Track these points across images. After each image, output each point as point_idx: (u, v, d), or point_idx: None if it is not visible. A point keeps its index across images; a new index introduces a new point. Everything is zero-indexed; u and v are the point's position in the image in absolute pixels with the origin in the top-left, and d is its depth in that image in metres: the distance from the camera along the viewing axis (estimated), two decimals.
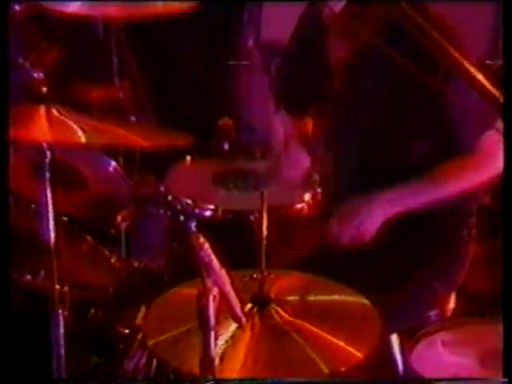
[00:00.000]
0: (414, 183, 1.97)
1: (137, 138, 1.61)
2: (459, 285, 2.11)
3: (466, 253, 2.11)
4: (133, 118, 2.81)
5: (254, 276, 1.61)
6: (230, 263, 1.44)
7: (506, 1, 1.42)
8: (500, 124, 1.43)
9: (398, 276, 2.00)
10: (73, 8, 2.16)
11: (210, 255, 1.35)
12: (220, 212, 2.00)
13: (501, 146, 1.92)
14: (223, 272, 1.38)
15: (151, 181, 2.43)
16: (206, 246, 1.34)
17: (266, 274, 1.60)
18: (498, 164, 1.92)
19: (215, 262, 1.36)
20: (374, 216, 1.94)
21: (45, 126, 1.53)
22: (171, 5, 2.29)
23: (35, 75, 2.16)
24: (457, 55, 1.16)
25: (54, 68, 2.47)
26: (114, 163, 2.23)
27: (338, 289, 1.67)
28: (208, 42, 3.03)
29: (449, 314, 2.10)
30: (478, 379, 1.56)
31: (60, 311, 1.73)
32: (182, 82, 2.95)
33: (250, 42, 3.05)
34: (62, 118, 1.56)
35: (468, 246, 2.11)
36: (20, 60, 2.23)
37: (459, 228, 2.09)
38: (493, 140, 1.94)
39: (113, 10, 2.29)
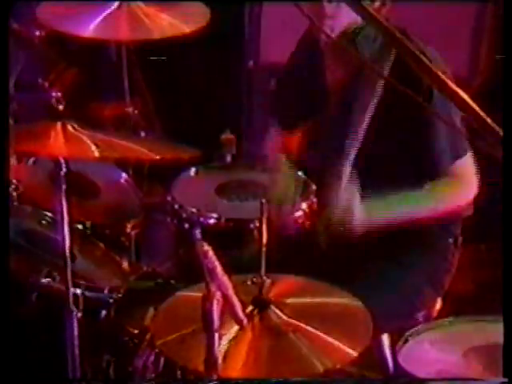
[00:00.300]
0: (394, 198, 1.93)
1: (146, 152, 1.59)
2: (445, 288, 2.09)
3: (452, 259, 2.08)
4: (142, 133, 2.80)
5: (254, 280, 1.60)
6: (231, 268, 1.43)
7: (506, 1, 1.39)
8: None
9: (388, 280, 1.99)
10: (88, 32, 2.16)
11: (213, 262, 1.33)
12: (223, 220, 1.99)
13: (474, 171, 1.92)
14: (226, 277, 1.37)
15: (159, 191, 2.42)
16: (210, 253, 1.32)
17: (265, 278, 1.59)
18: (472, 189, 1.90)
19: (219, 269, 1.35)
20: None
21: (61, 142, 1.52)
22: (177, 26, 2.28)
23: (53, 94, 2.15)
24: (439, 74, 1.14)
25: (71, 87, 2.46)
26: (124, 175, 2.21)
27: (333, 291, 1.66)
28: (211, 62, 3.03)
29: (435, 314, 2.09)
30: (478, 379, 1.54)
31: (74, 313, 1.72)
32: (187, 99, 2.94)
33: (251, 63, 3.05)
34: (77, 133, 1.55)
35: (454, 252, 2.09)
36: (40, 80, 2.22)
37: (446, 236, 2.07)
38: (467, 165, 1.92)
39: (124, 33, 2.28)
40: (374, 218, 1.89)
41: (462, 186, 1.95)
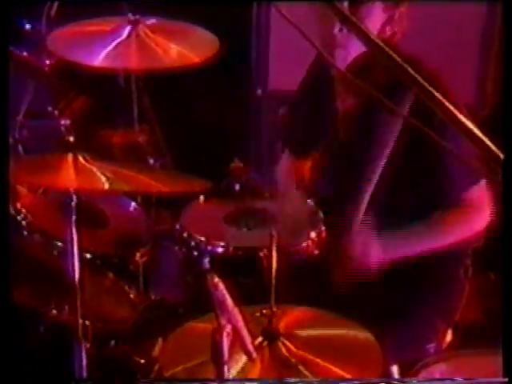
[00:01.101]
0: (406, 233, 1.93)
1: (157, 185, 1.59)
2: (455, 320, 2.07)
3: (462, 290, 2.07)
4: (151, 160, 2.80)
5: (264, 312, 1.59)
6: (240, 297, 1.42)
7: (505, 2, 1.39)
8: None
9: (399, 311, 1.97)
10: (98, 61, 2.16)
11: (224, 294, 1.32)
12: (231, 249, 1.98)
13: (489, 198, 1.91)
14: (236, 310, 1.36)
15: (167, 218, 2.42)
16: (221, 285, 1.31)
17: (275, 309, 1.57)
18: (487, 217, 1.89)
19: (229, 301, 1.34)
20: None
21: (72, 174, 1.52)
22: (186, 56, 2.28)
23: (63, 122, 2.16)
24: (448, 105, 1.14)
25: (80, 115, 2.47)
26: (134, 203, 2.21)
27: (343, 323, 1.64)
28: (220, 91, 3.04)
29: (445, 346, 2.07)
30: (478, 379, 1.52)
31: (83, 344, 1.70)
32: (196, 127, 2.95)
33: (259, 91, 3.06)
34: (87, 165, 1.55)
35: (464, 284, 2.08)
36: (49, 108, 2.23)
37: (457, 267, 2.06)
38: (482, 193, 1.91)
39: (134, 62, 2.29)
40: (388, 250, 1.88)
41: (475, 214, 1.94)
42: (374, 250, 1.89)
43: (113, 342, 1.91)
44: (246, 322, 1.41)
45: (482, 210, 1.92)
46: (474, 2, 2.94)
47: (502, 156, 1.11)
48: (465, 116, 1.10)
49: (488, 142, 1.12)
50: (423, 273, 2.00)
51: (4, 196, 1.41)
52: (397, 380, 1.65)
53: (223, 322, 1.34)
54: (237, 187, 2.24)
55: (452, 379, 1.54)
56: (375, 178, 1.94)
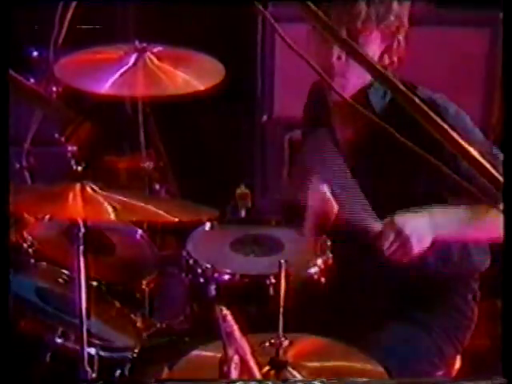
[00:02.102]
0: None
1: (164, 214, 1.58)
2: (464, 346, 2.05)
3: (471, 316, 2.05)
4: (157, 186, 2.80)
5: (272, 341, 1.57)
6: (247, 325, 1.40)
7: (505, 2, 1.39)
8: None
9: (408, 339, 1.95)
10: (104, 89, 2.16)
11: (232, 326, 1.31)
12: (237, 276, 1.96)
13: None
14: (244, 341, 1.34)
15: (173, 244, 2.41)
16: (229, 317, 1.30)
17: (282, 339, 1.56)
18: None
19: (237, 332, 1.32)
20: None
21: (79, 204, 1.51)
22: (192, 84, 2.29)
23: (69, 148, 2.15)
24: (449, 131, 1.13)
25: (87, 141, 2.47)
26: (140, 231, 2.20)
27: (350, 352, 1.62)
28: (225, 117, 3.04)
29: (454, 373, 2.05)
30: (478, 379, 1.50)
31: (88, 373, 1.69)
32: (201, 153, 2.95)
33: (264, 118, 3.06)
34: (95, 195, 1.54)
35: (473, 309, 2.06)
36: (56, 135, 2.22)
37: (465, 292, 2.04)
38: None
39: (140, 90, 2.29)
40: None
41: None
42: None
43: (118, 371, 1.90)
44: (254, 352, 1.40)
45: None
46: (475, 27, 2.94)
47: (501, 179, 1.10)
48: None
49: (493, 171, 1.11)
50: (432, 298, 1.98)
51: (5, 223, 1.40)
52: (397, 380, 1.63)
53: (231, 353, 1.33)
54: (243, 213, 2.23)
55: (452, 379, 1.52)
56: (380, 203, 1.93)
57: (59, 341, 1.86)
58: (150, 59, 2.27)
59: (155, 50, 2.30)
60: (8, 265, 1.35)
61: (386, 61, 1.90)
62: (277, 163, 2.86)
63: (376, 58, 1.87)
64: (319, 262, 1.98)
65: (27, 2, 2.57)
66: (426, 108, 1.09)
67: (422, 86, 1.90)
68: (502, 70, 1.41)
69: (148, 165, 2.77)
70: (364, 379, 1.51)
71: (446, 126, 1.09)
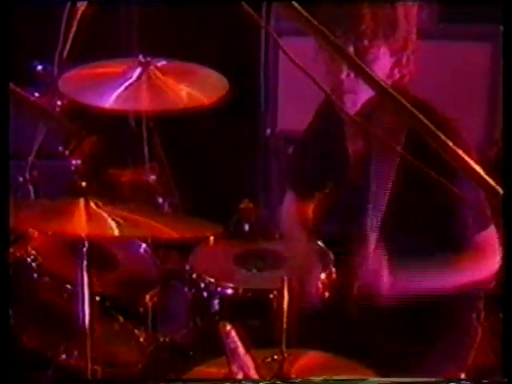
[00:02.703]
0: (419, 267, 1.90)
1: (168, 230, 1.58)
2: (468, 365, 2.04)
3: (475, 335, 2.04)
4: (160, 199, 2.80)
5: (275, 357, 1.56)
6: (250, 340, 1.40)
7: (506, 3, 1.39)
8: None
9: (412, 357, 1.93)
10: (109, 103, 2.17)
11: (236, 342, 1.30)
12: (241, 290, 1.96)
13: (498, 242, 1.89)
14: (248, 357, 1.34)
15: (176, 258, 2.40)
16: (233, 333, 1.30)
17: (286, 355, 1.55)
18: (496, 261, 1.87)
19: (241, 348, 1.32)
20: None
21: (83, 220, 1.51)
22: (196, 97, 2.29)
23: (73, 162, 2.15)
24: (459, 151, 1.13)
25: (90, 154, 2.48)
26: (143, 245, 2.20)
27: (354, 367, 1.61)
28: (229, 131, 3.05)
29: None
30: (478, 379, 1.49)
31: None
32: (205, 167, 2.95)
33: (268, 131, 3.07)
34: (99, 211, 1.54)
35: (477, 327, 2.05)
36: (60, 148, 2.23)
37: (469, 311, 2.04)
38: (492, 237, 1.89)
39: (144, 104, 2.29)
40: (400, 281, 1.85)
41: (486, 258, 1.92)
42: (385, 276, 1.86)
43: None
44: (258, 368, 1.39)
45: (493, 253, 1.90)
46: (480, 42, 2.95)
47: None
48: (474, 160, 1.10)
49: (499, 189, 1.11)
50: (436, 317, 1.97)
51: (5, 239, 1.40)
52: (398, 380, 1.62)
53: (235, 369, 1.32)
54: (246, 227, 2.23)
55: (452, 379, 1.51)
56: (386, 218, 1.92)
57: (62, 356, 1.86)
58: (154, 73, 2.28)
59: (159, 64, 2.30)
60: (8, 280, 1.35)
61: (397, 75, 1.90)
62: (280, 177, 2.85)
63: (386, 73, 1.87)
64: (323, 276, 1.98)
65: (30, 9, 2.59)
66: (433, 127, 1.10)
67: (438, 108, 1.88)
68: (502, 82, 1.40)
69: (151, 178, 2.78)
70: (364, 378, 1.50)
71: (451, 144, 1.09)
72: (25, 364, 1.80)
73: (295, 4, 1.11)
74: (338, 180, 2.06)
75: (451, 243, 1.91)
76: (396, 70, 1.90)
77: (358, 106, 1.88)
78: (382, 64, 1.87)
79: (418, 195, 1.87)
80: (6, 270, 1.34)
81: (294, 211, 2.27)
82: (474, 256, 1.92)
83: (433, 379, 1.55)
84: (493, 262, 1.90)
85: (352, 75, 1.83)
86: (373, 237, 1.92)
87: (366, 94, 1.86)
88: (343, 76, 1.84)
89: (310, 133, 2.21)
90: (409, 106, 1.12)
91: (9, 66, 1.53)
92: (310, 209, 2.18)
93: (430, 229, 1.91)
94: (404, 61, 1.91)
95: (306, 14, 1.10)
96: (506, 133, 1.31)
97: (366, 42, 1.81)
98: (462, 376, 2.05)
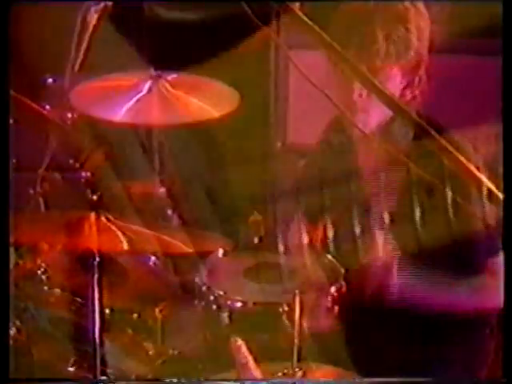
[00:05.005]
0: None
1: (178, 244, 1.58)
2: (481, 378, 2.03)
3: (488, 349, 2.03)
4: (169, 211, 2.79)
5: (286, 372, 1.56)
6: (259, 353, 1.39)
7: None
8: None
9: (425, 371, 1.93)
10: (119, 117, 2.18)
11: (246, 357, 1.30)
12: (250, 304, 1.96)
13: None
14: (258, 372, 1.34)
15: (186, 271, 2.40)
16: (243, 348, 1.30)
17: (296, 369, 1.55)
18: None
19: (251, 363, 1.32)
20: None
21: (94, 234, 1.52)
22: (207, 111, 2.29)
23: (83, 174, 2.16)
24: (471, 167, 1.13)
25: (100, 167, 2.48)
26: (153, 258, 2.20)
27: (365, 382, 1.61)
28: (240, 143, 3.05)
29: None
30: (478, 379, 1.48)
31: None
32: (214, 179, 2.95)
33: (278, 144, 3.07)
34: (109, 225, 1.55)
35: (490, 343, 2.04)
36: (70, 161, 2.24)
37: (483, 327, 2.02)
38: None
39: (154, 117, 2.30)
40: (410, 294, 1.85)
41: (498, 283, 1.91)
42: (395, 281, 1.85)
43: None
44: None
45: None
46: (484, 56, 2.94)
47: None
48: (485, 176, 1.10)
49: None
50: (449, 331, 1.96)
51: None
52: (397, 380, 1.61)
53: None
54: (256, 240, 2.23)
55: (453, 379, 1.50)
56: (395, 232, 1.92)
57: (71, 369, 1.86)
58: (165, 86, 2.29)
59: (170, 77, 2.31)
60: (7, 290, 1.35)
61: (408, 96, 1.91)
62: (290, 190, 2.85)
63: (398, 93, 1.87)
64: (332, 289, 1.97)
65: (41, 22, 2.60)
66: (447, 144, 1.10)
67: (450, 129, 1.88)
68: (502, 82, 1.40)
69: (161, 190, 2.78)
70: (365, 379, 1.49)
71: (462, 159, 1.10)
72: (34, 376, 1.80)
73: (305, 18, 1.11)
74: (347, 194, 2.06)
75: (465, 268, 1.90)
76: (408, 91, 1.91)
77: (370, 124, 1.88)
78: (394, 85, 1.87)
79: (432, 217, 1.86)
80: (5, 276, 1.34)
81: (303, 225, 2.26)
82: (487, 282, 1.91)
83: (433, 379, 1.54)
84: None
85: (364, 95, 1.83)
86: (383, 250, 1.92)
87: (378, 112, 1.87)
88: (355, 96, 1.85)
89: (319, 148, 2.21)
90: (422, 122, 1.12)
91: (7, 75, 1.53)
92: (318, 229, 2.18)
93: (444, 252, 1.90)
94: (416, 82, 1.91)
95: (318, 29, 1.11)
96: (506, 132, 1.30)
97: (378, 62, 1.82)
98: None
